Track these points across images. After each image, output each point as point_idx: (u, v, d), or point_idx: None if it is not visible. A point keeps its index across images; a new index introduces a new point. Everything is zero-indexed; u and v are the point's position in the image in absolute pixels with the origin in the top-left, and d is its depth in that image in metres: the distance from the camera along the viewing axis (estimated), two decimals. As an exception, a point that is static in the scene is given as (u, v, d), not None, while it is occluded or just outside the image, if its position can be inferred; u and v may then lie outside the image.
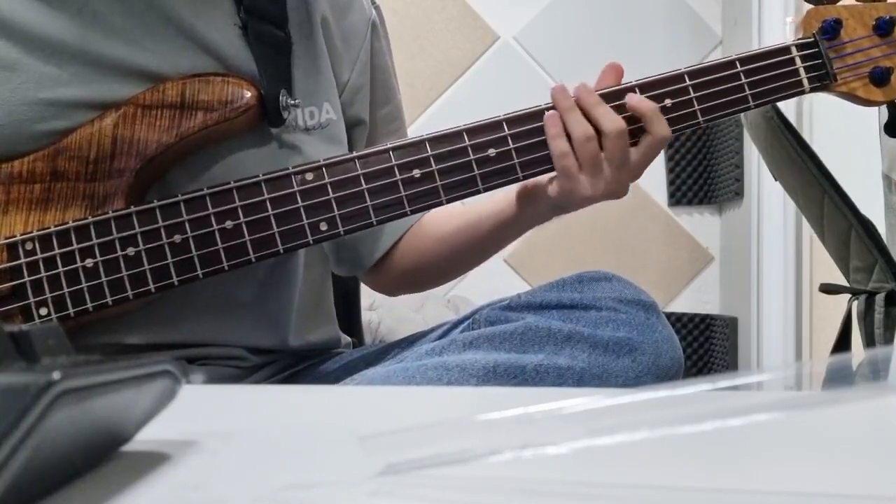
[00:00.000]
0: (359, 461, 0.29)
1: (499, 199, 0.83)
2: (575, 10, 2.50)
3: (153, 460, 0.31)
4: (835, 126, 1.96)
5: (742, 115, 1.40)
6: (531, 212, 0.80)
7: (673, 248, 2.51)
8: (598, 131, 0.73)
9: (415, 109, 2.41)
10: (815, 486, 0.28)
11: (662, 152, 2.50)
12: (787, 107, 1.97)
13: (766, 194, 2.20)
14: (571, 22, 2.49)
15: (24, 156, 0.71)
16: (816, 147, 1.28)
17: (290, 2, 0.81)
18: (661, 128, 0.74)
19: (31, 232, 0.69)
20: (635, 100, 0.74)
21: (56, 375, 0.23)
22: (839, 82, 0.78)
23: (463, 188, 0.74)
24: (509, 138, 0.74)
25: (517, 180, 0.75)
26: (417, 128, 2.28)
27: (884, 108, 0.83)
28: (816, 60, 0.78)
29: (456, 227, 0.87)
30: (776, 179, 1.42)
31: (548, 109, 0.75)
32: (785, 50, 0.78)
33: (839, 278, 1.34)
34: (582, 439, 0.26)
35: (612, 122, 0.73)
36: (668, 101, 0.76)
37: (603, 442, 0.26)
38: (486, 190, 0.75)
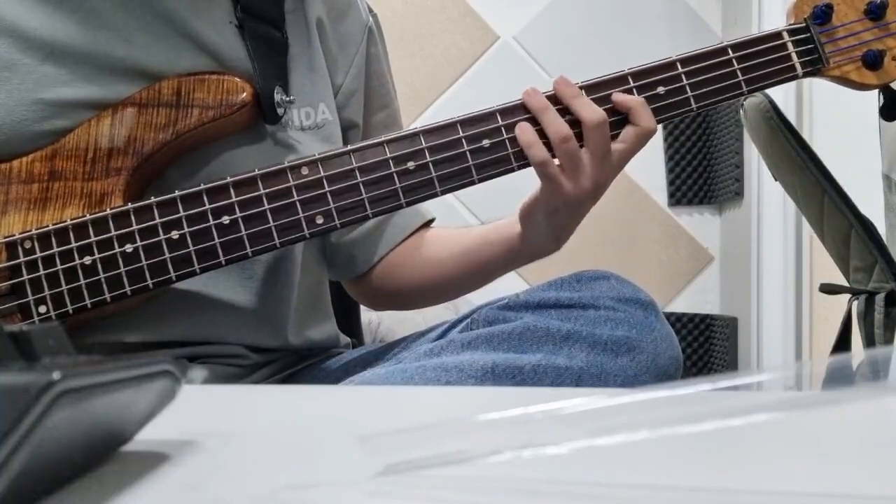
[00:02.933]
0: (359, 461, 0.29)
1: (503, 222, 0.83)
2: (575, 10, 2.50)
3: (153, 460, 0.31)
4: (835, 126, 1.96)
5: (742, 114, 1.40)
6: (531, 227, 0.80)
7: (673, 248, 2.51)
8: (578, 122, 0.73)
9: (415, 109, 2.41)
10: (815, 486, 0.28)
11: (662, 152, 2.51)
12: (786, 106, 1.97)
13: (766, 194, 2.20)
14: (571, 22, 2.49)
15: (23, 156, 0.71)
16: (816, 147, 1.28)
17: (288, 4, 0.81)
18: (648, 120, 0.74)
19: (30, 231, 0.69)
20: (622, 96, 0.74)
21: (56, 375, 0.23)
22: (832, 66, 0.78)
23: (458, 179, 0.74)
24: (503, 129, 0.74)
25: (512, 170, 0.75)
26: (417, 127, 2.27)
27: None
28: (808, 45, 0.78)
29: (450, 254, 0.87)
30: (776, 179, 1.42)
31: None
32: (776, 35, 0.78)
33: (839, 278, 1.34)
34: (582, 439, 0.26)
35: (591, 112, 0.72)
36: (660, 89, 0.75)
37: (603, 442, 0.26)
38: (480, 180, 0.75)
